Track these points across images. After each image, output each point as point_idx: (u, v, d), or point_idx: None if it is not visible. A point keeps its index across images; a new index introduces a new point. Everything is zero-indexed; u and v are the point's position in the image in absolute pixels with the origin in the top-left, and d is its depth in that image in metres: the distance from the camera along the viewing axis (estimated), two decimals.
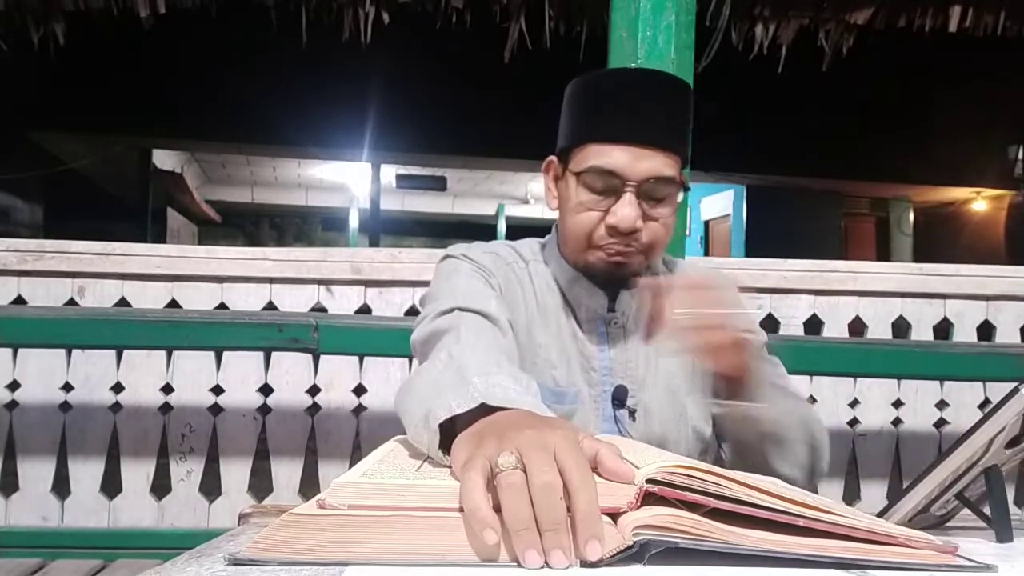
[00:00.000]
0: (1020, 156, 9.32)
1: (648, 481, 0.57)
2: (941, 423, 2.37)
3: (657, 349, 1.06)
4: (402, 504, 0.56)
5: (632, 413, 1.03)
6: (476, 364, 0.82)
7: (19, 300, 2.21)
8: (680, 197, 1.05)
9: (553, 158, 1.08)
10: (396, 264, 2.28)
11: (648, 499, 0.57)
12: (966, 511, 0.82)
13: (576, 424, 0.95)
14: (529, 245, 1.14)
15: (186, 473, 2.22)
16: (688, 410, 1.07)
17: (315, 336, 1.85)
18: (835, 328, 2.38)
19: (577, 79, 1.04)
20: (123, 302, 2.24)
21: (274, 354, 2.21)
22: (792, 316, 2.38)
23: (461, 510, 0.56)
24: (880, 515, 0.74)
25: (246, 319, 1.93)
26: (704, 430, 1.08)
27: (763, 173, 9.04)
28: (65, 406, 2.20)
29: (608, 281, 1.04)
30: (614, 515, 0.58)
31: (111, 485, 2.21)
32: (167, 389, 2.21)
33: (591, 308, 1.05)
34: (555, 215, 1.10)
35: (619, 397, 1.03)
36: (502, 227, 13.85)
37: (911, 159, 8.68)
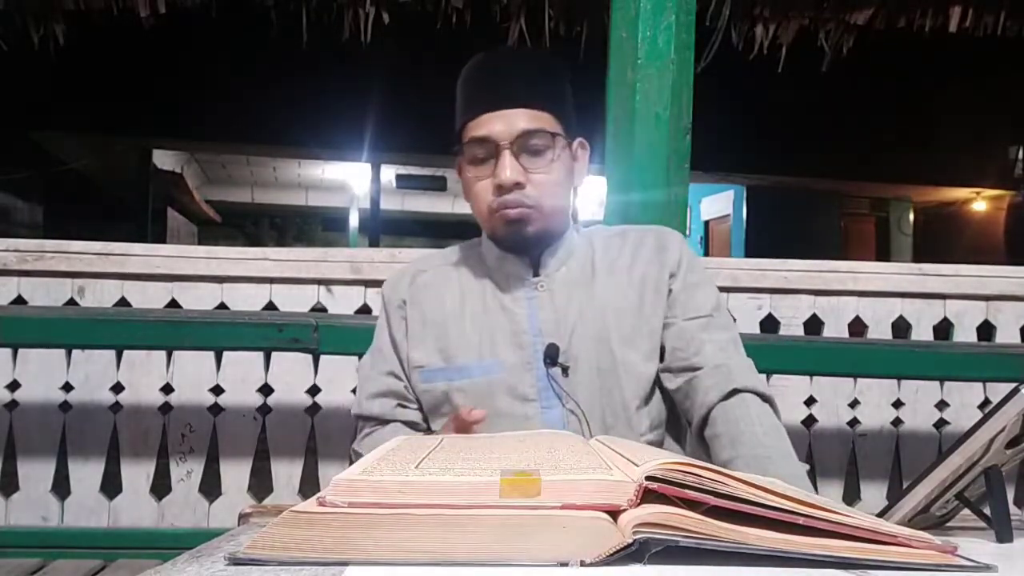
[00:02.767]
0: (1020, 156, 9.32)
1: (648, 478, 0.57)
2: (941, 423, 2.37)
3: (589, 299, 1.12)
4: (402, 501, 0.57)
5: (565, 370, 1.08)
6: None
7: (19, 300, 2.21)
8: (581, 159, 1.16)
9: (457, 157, 1.16)
10: (396, 264, 2.27)
11: (648, 496, 0.58)
12: (966, 511, 0.82)
13: (500, 388, 1.08)
14: (467, 244, 1.24)
15: (186, 473, 2.21)
16: (619, 355, 1.09)
17: (315, 336, 1.85)
18: (835, 328, 2.38)
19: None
20: (123, 302, 2.23)
21: (274, 354, 2.21)
22: (792, 316, 2.38)
23: (460, 506, 0.56)
24: (880, 515, 0.74)
25: (246, 319, 1.93)
26: (644, 372, 1.11)
27: (763, 173, 9.04)
28: (65, 406, 2.19)
29: (522, 245, 1.12)
30: (614, 513, 0.58)
31: (111, 485, 2.21)
32: (167, 389, 2.21)
33: (517, 277, 1.14)
34: None
35: (551, 356, 1.08)
36: None
37: (911, 159, 8.68)
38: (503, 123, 1.06)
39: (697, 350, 1.09)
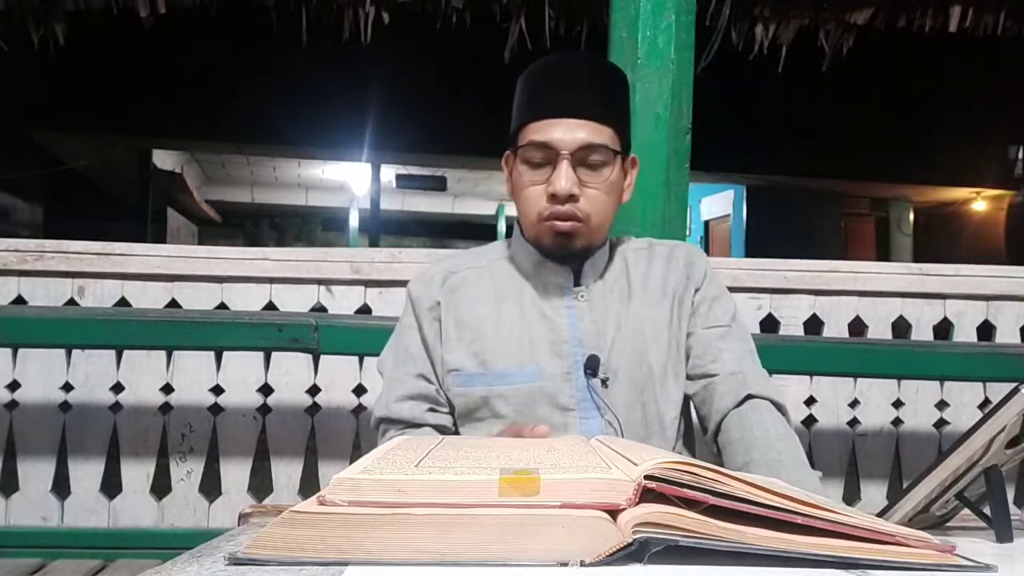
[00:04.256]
0: (1020, 156, 9.31)
1: (646, 477, 0.58)
2: (941, 423, 2.37)
3: (627, 311, 1.12)
4: (402, 500, 0.57)
5: (604, 381, 1.08)
6: None
7: (19, 300, 2.21)
8: (630, 176, 1.15)
9: (508, 152, 1.14)
10: (396, 264, 2.27)
11: (647, 496, 0.58)
12: (966, 511, 0.82)
13: (541, 397, 1.07)
14: (496, 245, 1.22)
15: (186, 473, 2.21)
16: (655, 370, 1.10)
17: (315, 336, 1.85)
18: (835, 328, 2.38)
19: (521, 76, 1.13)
20: (123, 302, 2.23)
21: (274, 354, 2.21)
22: (792, 316, 2.38)
23: (460, 505, 0.57)
24: (880, 515, 0.74)
25: (246, 319, 1.93)
26: (677, 386, 1.12)
27: (763, 173, 9.03)
28: (65, 406, 2.20)
29: (564, 256, 1.11)
30: (613, 512, 0.58)
31: (111, 485, 2.21)
32: (167, 389, 2.21)
33: (557, 285, 1.13)
34: None
35: (591, 367, 1.08)
36: (502, 227, 13.84)
37: (911, 159, 8.67)
38: (566, 132, 1.05)
39: (715, 358, 1.12)
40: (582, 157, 1.05)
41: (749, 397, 1.08)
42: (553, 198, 1.05)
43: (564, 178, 1.04)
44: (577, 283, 1.13)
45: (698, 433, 1.19)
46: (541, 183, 1.07)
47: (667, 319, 1.13)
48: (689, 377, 1.14)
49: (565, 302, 1.12)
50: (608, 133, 1.07)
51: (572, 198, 1.05)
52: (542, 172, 1.06)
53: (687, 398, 1.15)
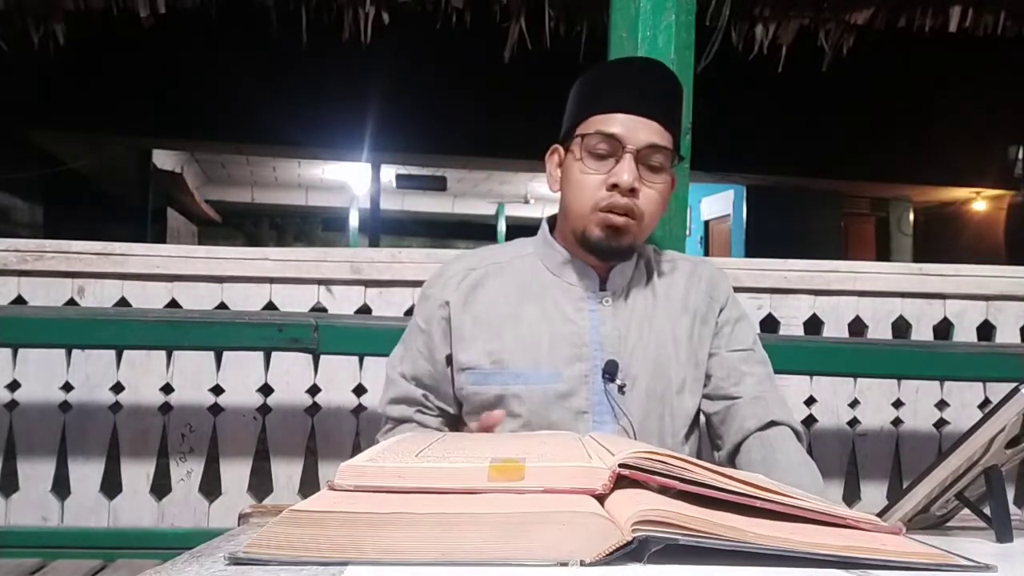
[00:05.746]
0: (1020, 156, 9.32)
1: (620, 465, 0.61)
2: (941, 423, 2.37)
3: (650, 321, 1.12)
4: (400, 485, 0.61)
5: (621, 388, 1.08)
6: None
7: (19, 300, 2.20)
8: (674, 183, 1.14)
9: (557, 145, 1.15)
10: (396, 264, 2.27)
11: (621, 482, 0.62)
12: (966, 511, 0.82)
13: (556, 398, 1.07)
14: (519, 242, 1.21)
15: (186, 473, 2.21)
16: (674, 382, 1.11)
17: (315, 336, 1.84)
18: (835, 328, 2.38)
19: (581, 75, 1.14)
20: (123, 302, 2.23)
21: (274, 354, 2.21)
22: (792, 316, 2.38)
23: (454, 491, 0.61)
24: (880, 515, 0.74)
25: (246, 319, 1.93)
26: (692, 401, 1.13)
27: (763, 173, 9.04)
28: (65, 406, 2.19)
29: (604, 253, 1.09)
30: (601, 499, 0.61)
31: (111, 485, 2.21)
32: (167, 389, 2.21)
33: (583, 287, 1.12)
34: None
35: (610, 372, 1.08)
36: (502, 227, 13.85)
37: (911, 159, 8.68)
38: (635, 129, 1.05)
39: (737, 381, 1.13)
40: (646, 156, 1.06)
41: (772, 423, 1.10)
42: (614, 188, 1.05)
43: (627, 172, 1.04)
44: (602, 288, 1.12)
45: (707, 448, 1.20)
46: (602, 173, 1.06)
47: (687, 335, 1.13)
48: (709, 397, 1.15)
49: (589, 305, 1.11)
50: (668, 139, 1.08)
51: (633, 192, 1.05)
52: (604, 164, 1.06)
53: (698, 414, 1.16)
